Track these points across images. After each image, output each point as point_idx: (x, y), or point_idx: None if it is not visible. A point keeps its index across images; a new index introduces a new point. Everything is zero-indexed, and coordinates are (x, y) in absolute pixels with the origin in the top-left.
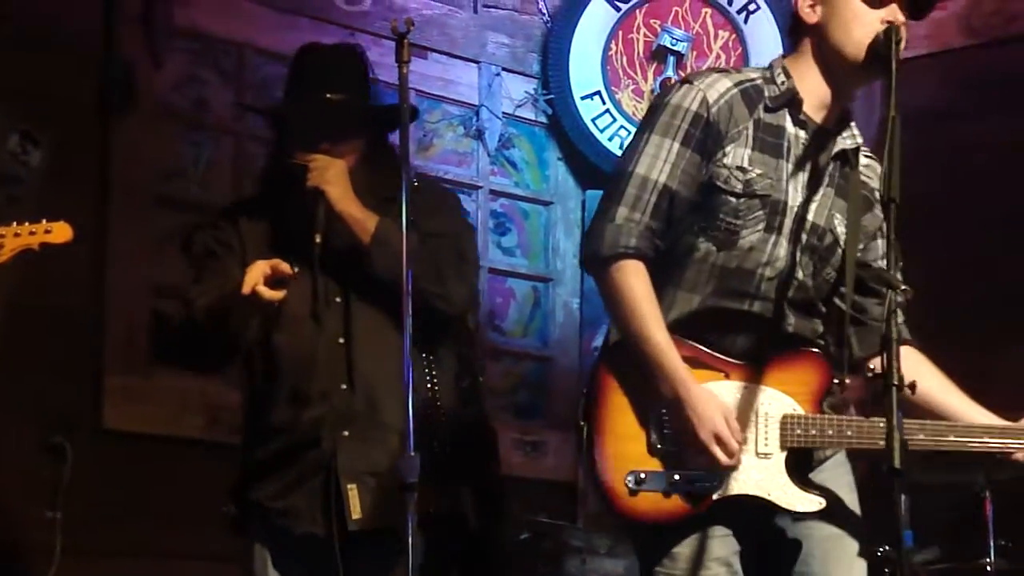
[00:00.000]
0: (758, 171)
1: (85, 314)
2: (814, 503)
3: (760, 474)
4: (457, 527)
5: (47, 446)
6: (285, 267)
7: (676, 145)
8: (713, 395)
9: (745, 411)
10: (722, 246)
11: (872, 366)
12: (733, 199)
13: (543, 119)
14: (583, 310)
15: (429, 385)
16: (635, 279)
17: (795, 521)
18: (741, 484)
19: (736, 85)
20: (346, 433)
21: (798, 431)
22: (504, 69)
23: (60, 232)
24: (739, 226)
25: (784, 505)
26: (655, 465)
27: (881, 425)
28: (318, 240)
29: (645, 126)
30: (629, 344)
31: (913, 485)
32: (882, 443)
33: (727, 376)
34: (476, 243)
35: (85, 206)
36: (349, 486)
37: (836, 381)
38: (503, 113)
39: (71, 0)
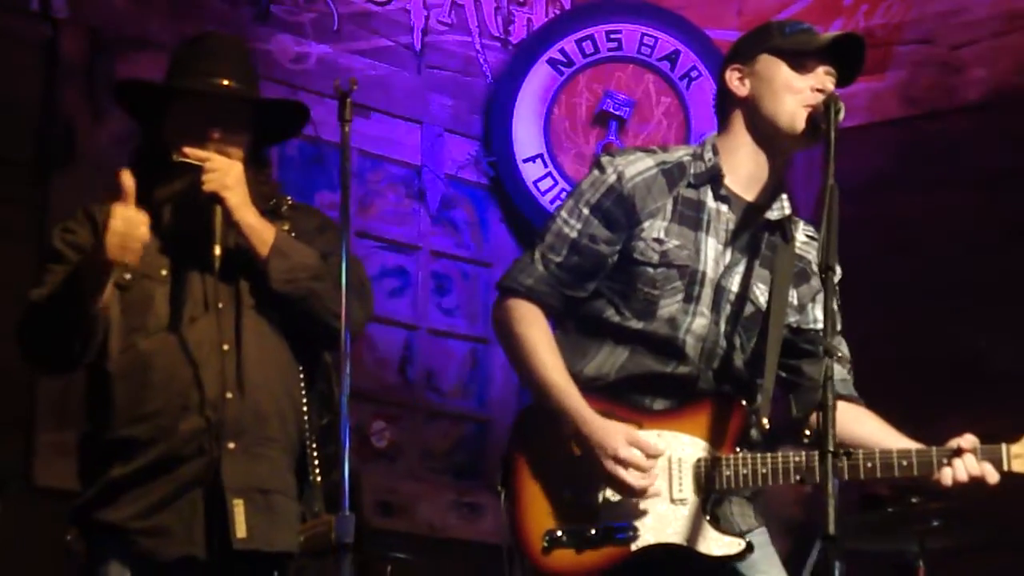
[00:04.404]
0: (675, 242)
1: (17, 370)
2: (733, 546)
3: (677, 521)
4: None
5: None
6: (127, 183)
7: (586, 210)
8: (613, 423)
9: (658, 459)
10: (641, 317)
11: (808, 432)
12: (650, 269)
13: (485, 181)
14: None
15: (305, 409)
16: (532, 327)
17: None
18: (658, 533)
19: (658, 164)
20: (232, 445)
21: (712, 474)
22: (446, 130)
23: None
24: (657, 296)
25: (703, 550)
26: (570, 522)
27: (795, 459)
28: (217, 252)
29: (571, 190)
30: (528, 389)
31: (847, 553)
32: (797, 478)
33: (640, 426)
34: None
35: (22, 263)
36: (235, 501)
37: (755, 421)
38: (445, 174)
39: (10, 55)
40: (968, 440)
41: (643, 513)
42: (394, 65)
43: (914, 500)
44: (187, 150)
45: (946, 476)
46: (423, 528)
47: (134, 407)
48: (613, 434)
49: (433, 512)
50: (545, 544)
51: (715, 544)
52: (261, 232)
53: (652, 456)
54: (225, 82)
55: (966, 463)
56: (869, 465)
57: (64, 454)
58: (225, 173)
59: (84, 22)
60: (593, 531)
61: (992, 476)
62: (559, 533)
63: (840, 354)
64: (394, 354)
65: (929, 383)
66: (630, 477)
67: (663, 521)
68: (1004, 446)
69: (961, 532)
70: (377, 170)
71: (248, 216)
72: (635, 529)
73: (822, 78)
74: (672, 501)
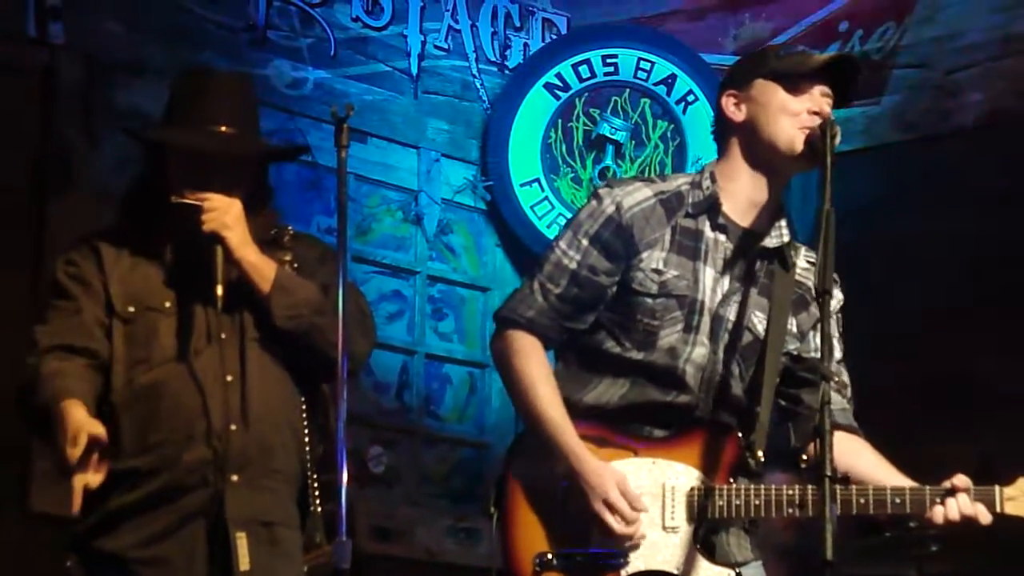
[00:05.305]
0: (674, 272)
1: (13, 395)
2: None
3: (668, 549)
4: None
5: None
6: (99, 433)
7: (585, 241)
8: (608, 467)
9: (652, 487)
10: (642, 348)
11: (805, 457)
12: (649, 300)
13: (482, 205)
14: None
15: (307, 439)
16: (530, 360)
17: None
18: (648, 560)
19: (656, 195)
20: (235, 478)
21: (705, 503)
22: (443, 155)
23: None
24: (657, 327)
25: None
26: (562, 547)
27: (789, 492)
28: (220, 292)
29: (568, 221)
30: (525, 421)
31: None
32: (789, 511)
33: (635, 454)
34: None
35: (18, 288)
36: (238, 534)
37: (749, 454)
38: (442, 199)
39: (7, 81)
40: (962, 480)
41: (624, 533)
42: (391, 90)
43: (912, 525)
44: (187, 193)
45: (938, 515)
46: (420, 553)
47: (140, 437)
48: (607, 479)
49: (430, 537)
50: (536, 568)
51: (705, 574)
52: (262, 269)
53: (638, 510)
54: (224, 128)
55: (959, 503)
56: (862, 501)
57: (61, 481)
58: (224, 212)
59: (81, 48)
60: (584, 556)
61: (984, 517)
62: (550, 557)
63: (838, 379)
64: (391, 379)
65: (928, 405)
66: (615, 522)
67: (654, 548)
68: (997, 488)
69: (959, 557)
70: (374, 195)
71: (249, 254)
72: (626, 555)
73: (818, 100)
74: (664, 529)
